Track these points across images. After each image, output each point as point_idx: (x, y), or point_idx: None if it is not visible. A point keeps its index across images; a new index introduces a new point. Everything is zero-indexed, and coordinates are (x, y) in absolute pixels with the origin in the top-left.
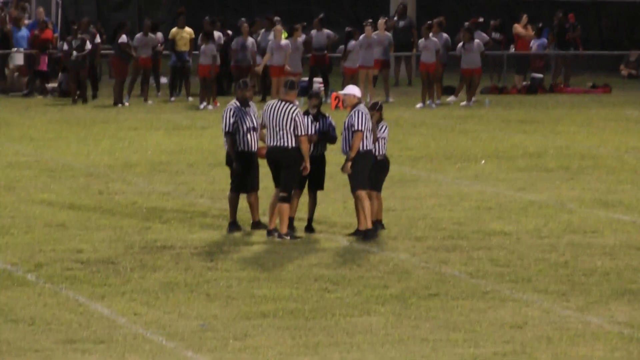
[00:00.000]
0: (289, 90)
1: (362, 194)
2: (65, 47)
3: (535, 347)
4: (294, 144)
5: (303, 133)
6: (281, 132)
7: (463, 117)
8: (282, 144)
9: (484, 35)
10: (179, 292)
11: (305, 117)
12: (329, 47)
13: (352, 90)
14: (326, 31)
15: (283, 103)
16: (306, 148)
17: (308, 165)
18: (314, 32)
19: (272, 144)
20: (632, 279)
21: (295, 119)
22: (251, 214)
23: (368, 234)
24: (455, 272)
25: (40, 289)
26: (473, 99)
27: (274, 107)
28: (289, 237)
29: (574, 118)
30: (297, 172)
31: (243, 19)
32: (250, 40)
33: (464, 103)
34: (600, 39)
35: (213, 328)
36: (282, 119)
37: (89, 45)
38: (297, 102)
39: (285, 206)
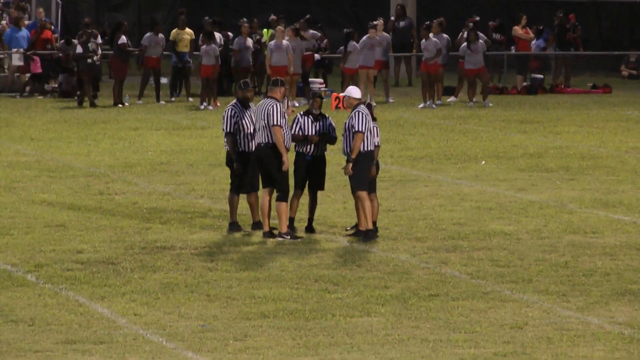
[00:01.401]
0: (272, 87)
1: (363, 194)
2: (79, 49)
3: (535, 347)
4: (272, 140)
5: (275, 123)
6: (261, 129)
7: (463, 118)
8: (262, 140)
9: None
10: (179, 293)
11: (306, 117)
12: (328, 47)
13: (352, 91)
14: (311, 31)
15: (265, 100)
16: (279, 138)
17: (285, 157)
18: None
19: (257, 141)
20: (633, 279)
21: (268, 110)
22: (251, 215)
23: (368, 235)
24: (455, 273)
25: (40, 289)
26: (474, 99)
27: (259, 105)
28: (289, 237)
29: (574, 118)
30: (281, 168)
31: (245, 19)
32: (249, 40)
33: (473, 102)
34: (600, 39)
35: (213, 328)
36: (260, 115)
37: (99, 50)
38: (296, 103)
39: (283, 205)
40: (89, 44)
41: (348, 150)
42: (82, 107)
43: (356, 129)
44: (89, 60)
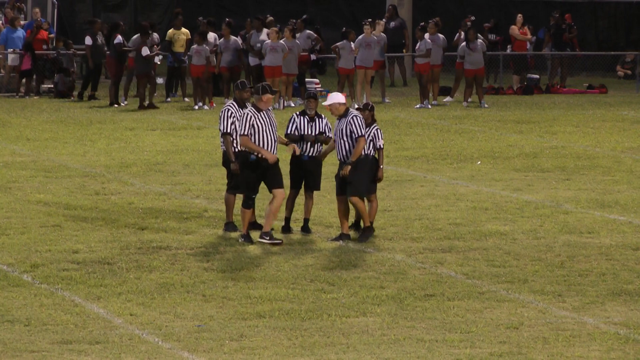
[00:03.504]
0: (257, 94)
1: (356, 199)
2: (146, 51)
3: (531, 347)
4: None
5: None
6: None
7: (459, 118)
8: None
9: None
10: (175, 293)
11: (302, 117)
12: (323, 49)
13: (336, 97)
14: (307, 32)
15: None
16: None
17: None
18: (297, 33)
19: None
20: (628, 279)
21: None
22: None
23: (365, 234)
24: (451, 273)
25: (36, 289)
26: (469, 99)
27: None
28: (243, 240)
29: (570, 118)
30: (240, 172)
31: (245, 20)
32: (232, 39)
33: (469, 102)
34: (596, 39)
35: (209, 329)
36: None
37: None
38: (292, 103)
39: (247, 211)
40: (147, 43)
41: (343, 154)
42: (76, 105)
43: (357, 134)
44: (156, 61)
